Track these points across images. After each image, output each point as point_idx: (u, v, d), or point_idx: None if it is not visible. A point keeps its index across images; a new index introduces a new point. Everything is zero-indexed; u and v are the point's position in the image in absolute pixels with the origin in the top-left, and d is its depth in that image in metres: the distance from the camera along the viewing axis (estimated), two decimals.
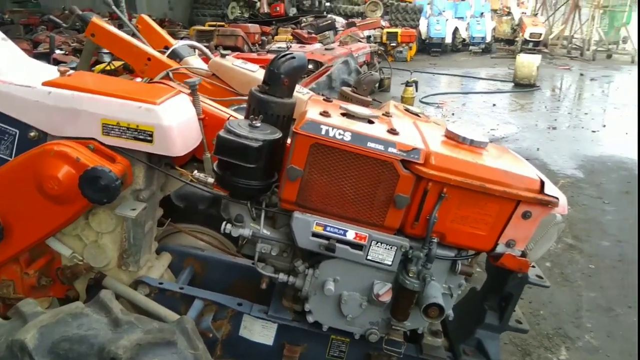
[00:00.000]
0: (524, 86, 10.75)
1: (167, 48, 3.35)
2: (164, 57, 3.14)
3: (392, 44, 13.72)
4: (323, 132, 1.41)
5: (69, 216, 1.61)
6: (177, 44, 3.32)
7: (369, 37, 11.27)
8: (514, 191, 1.42)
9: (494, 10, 18.08)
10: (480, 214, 1.46)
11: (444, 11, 16.13)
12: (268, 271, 1.64)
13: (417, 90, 7.95)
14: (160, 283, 1.80)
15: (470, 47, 16.50)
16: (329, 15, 15.47)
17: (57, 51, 7.96)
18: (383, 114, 1.71)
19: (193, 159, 1.96)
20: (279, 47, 9.07)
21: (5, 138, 1.65)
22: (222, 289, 1.89)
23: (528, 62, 10.79)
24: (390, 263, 1.52)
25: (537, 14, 18.30)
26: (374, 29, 13.38)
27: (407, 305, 1.55)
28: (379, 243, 1.50)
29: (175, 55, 3.23)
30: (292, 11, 17.95)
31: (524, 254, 1.54)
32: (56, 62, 6.71)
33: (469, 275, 1.58)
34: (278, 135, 1.55)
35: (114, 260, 1.76)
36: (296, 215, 1.49)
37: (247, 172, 1.50)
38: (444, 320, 1.71)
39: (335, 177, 1.45)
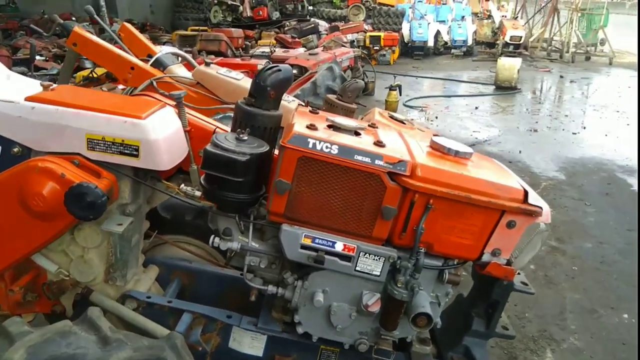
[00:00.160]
0: (505, 89, 10.90)
1: (150, 56, 3.33)
2: (147, 66, 3.12)
3: (375, 48, 13.78)
4: (310, 146, 1.42)
5: (55, 232, 1.59)
6: (160, 52, 3.30)
7: (352, 41, 11.30)
8: (499, 201, 1.45)
9: (475, 14, 18.30)
10: (466, 224, 1.48)
11: (425, 15, 16.25)
12: (257, 283, 1.65)
13: (400, 94, 8.01)
14: (148, 297, 1.78)
15: (452, 50, 16.66)
16: (312, 19, 15.50)
17: (37, 57, 7.85)
18: (369, 125, 1.73)
19: (179, 171, 1.95)
20: (262, 52, 9.07)
21: None
22: (211, 301, 1.88)
23: (509, 65, 10.93)
24: (378, 273, 1.53)
25: (517, 17, 18.58)
26: (357, 32, 13.42)
27: (396, 315, 1.57)
28: (367, 254, 1.51)
29: (159, 64, 3.21)
30: (275, 15, 17.94)
31: (509, 262, 1.56)
32: (37, 69, 6.63)
33: (456, 283, 1.61)
34: (265, 148, 1.55)
35: (100, 275, 1.74)
36: (285, 227, 1.50)
37: (234, 186, 1.50)
38: (432, 327, 1.73)
39: (323, 190, 1.46)
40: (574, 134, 7.82)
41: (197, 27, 12.04)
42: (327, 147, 1.43)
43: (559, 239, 4.30)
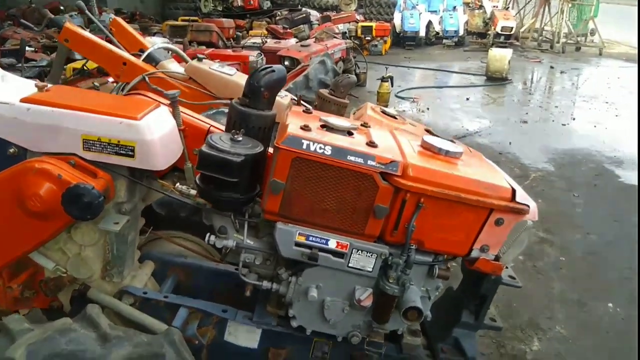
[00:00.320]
0: (496, 80, 10.95)
1: (142, 51, 3.33)
2: (139, 61, 3.13)
3: (367, 38, 13.77)
4: (304, 147, 1.45)
5: (52, 232, 1.62)
6: (152, 47, 3.30)
7: (344, 33, 11.28)
8: (487, 200, 1.49)
9: (466, 4, 18.25)
10: (456, 221, 1.53)
11: (417, 5, 16.22)
12: (252, 279, 1.69)
13: (392, 86, 8.03)
14: (145, 292, 1.82)
15: (444, 41, 16.66)
16: (304, 9, 15.44)
17: (27, 48, 7.76)
18: (361, 125, 1.76)
19: (174, 169, 1.98)
20: (253, 43, 9.03)
21: None
22: (206, 296, 1.92)
23: (500, 56, 10.97)
24: (370, 269, 1.58)
25: (508, 7, 18.59)
26: (349, 22, 13.39)
27: (388, 309, 1.62)
28: (360, 251, 1.56)
29: (151, 59, 3.21)
30: (266, 4, 17.83)
31: (497, 258, 1.62)
32: (26, 60, 6.55)
33: (445, 278, 1.66)
34: (260, 148, 1.58)
35: (97, 272, 1.77)
36: (279, 226, 1.53)
37: (230, 186, 1.54)
38: (422, 320, 1.78)
39: (316, 189, 1.49)
40: (563, 125, 7.91)
41: (187, 18, 11.95)
42: (320, 148, 1.46)
43: (548, 230, 4.38)
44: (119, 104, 1.75)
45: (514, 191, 1.52)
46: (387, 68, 8.67)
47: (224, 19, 11.42)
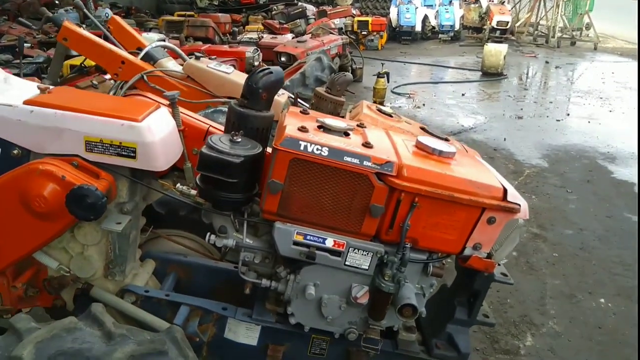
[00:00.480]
0: (491, 75, 10.99)
1: (140, 49, 3.35)
2: (137, 60, 3.15)
3: (363, 33, 13.77)
4: (302, 148, 1.49)
5: (56, 232, 1.65)
6: (150, 46, 3.32)
7: (340, 28, 11.28)
8: (480, 199, 1.54)
9: None
10: (449, 220, 1.57)
11: None
12: (251, 277, 1.73)
13: (388, 82, 8.06)
14: (146, 291, 1.86)
15: (440, 35, 16.68)
16: (300, 3, 15.39)
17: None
18: (357, 125, 1.80)
19: (174, 169, 2.01)
20: (250, 38, 9.04)
21: None
22: (206, 293, 1.96)
23: (496, 51, 11.01)
24: (367, 267, 1.62)
25: (504, 1, 18.60)
26: (345, 17, 13.39)
27: (383, 306, 1.66)
28: (356, 249, 1.60)
29: (149, 58, 3.24)
30: None
31: (489, 256, 1.66)
32: (23, 56, 6.53)
33: (439, 276, 1.71)
34: (258, 149, 1.62)
35: (100, 271, 1.80)
36: (278, 225, 1.57)
37: (229, 186, 1.57)
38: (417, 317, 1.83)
39: (314, 189, 1.54)
40: (557, 120, 7.96)
41: (183, 12, 11.91)
42: (317, 149, 1.50)
43: (541, 226, 4.44)
44: (120, 105, 1.79)
45: (505, 190, 1.57)
46: (383, 64, 8.69)
47: (220, 14, 11.40)
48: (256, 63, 6.55)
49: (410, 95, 9.18)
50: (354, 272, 1.63)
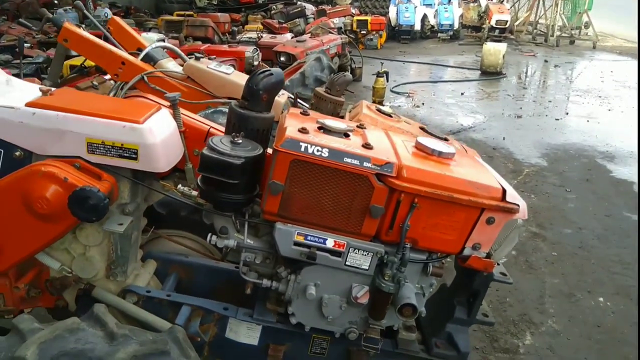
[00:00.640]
0: (490, 74, 11.01)
1: (140, 50, 3.36)
2: (138, 61, 3.16)
3: (362, 32, 13.78)
4: (302, 149, 1.50)
5: (58, 233, 1.66)
6: (150, 47, 3.33)
7: (339, 28, 11.29)
8: (479, 200, 1.55)
9: None
10: (449, 221, 1.59)
11: None
12: (252, 277, 1.74)
13: (388, 81, 8.07)
14: (148, 291, 1.87)
15: (439, 34, 16.69)
16: (299, 3, 15.38)
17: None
18: (357, 126, 1.81)
19: (175, 170, 2.02)
20: (249, 38, 9.04)
21: None
22: (207, 293, 1.97)
23: (495, 50, 11.03)
24: (367, 268, 1.63)
25: (503, 0, 18.61)
26: (344, 16, 13.40)
27: (384, 306, 1.67)
28: (357, 250, 1.61)
29: (150, 58, 3.24)
30: None
31: (488, 255, 1.67)
32: (23, 57, 6.53)
33: (439, 275, 1.72)
34: (259, 151, 1.64)
35: (102, 271, 1.81)
36: (278, 226, 1.59)
37: (230, 188, 1.59)
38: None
39: (314, 190, 1.55)
40: (556, 119, 7.98)
41: (182, 12, 11.92)
42: (318, 151, 1.51)
43: (540, 225, 4.45)
44: (122, 107, 1.80)
45: (504, 191, 1.58)
46: (382, 63, 8.71)
47: (219, 14, 11.39)
48: (256, 63, 6.56)
49: (410, 95, 9.19)
50: (354, 272, 1.64)
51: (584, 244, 4.19)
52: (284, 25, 11.12)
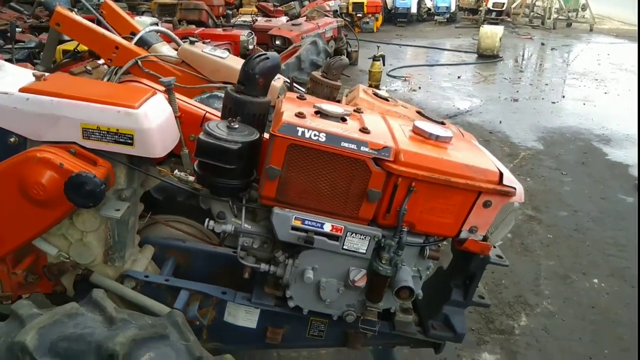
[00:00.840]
0: (487, 57, 10.97)
1: (133, 34, 3.32)
2: (131, 45, 3.12)
3: (358, 15, 13.67)
4: (299, 134, 1.50)
5: (55, 219, 1.66)
6: (144, 31, 3.29)
7: (335, 11, 11.17)
8: (476, 183, 1.55)
9: None
10: (446, 204, 1.59)
11: None
12: (250, 261, 1.74)
13: (384, 64, 8.03)
14: (146, 276, 1.87)
15: (436, 17, 16.59)
16: None
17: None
18: (354, 110, 1.80)
19: (171, 155, 2.01)
20: (244, 21, 8.95)
21: None
22: (205, 278, 1.98)
23: (491, 33, 10.97)
24: (364, 251, 1.64)
25: None
26: None
27: (381, 289, 1.68)
28: (354, 234, 1.61)
29: (143, 43, 3.21)
30: None
31: (485, 238, 1.68)
32: (15, 42, 6.45)
33: (436, 259, 1.73)
34: (256, 136, 1.63)
35: (99, 257, 1.81)
36: (276, 211, 1.59)
37: (227, 173, 1.58)
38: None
39: (312, 175, 1.54)
40: (553, 103, 7.97)
41: None
42: (315, 135, 1.50)
43: (536, 208, 4.47)
44: (116, 92, 1.78)
45: (501, 174, 1.58)
46: (378, 47, 8.65)
47: None
48: (251, 47, 6.50)
49: (406, 79, 9.15)
50: (351, 256, 1.65)
51: (579, 227, 4.22)
52: (279, 8, 11.00)
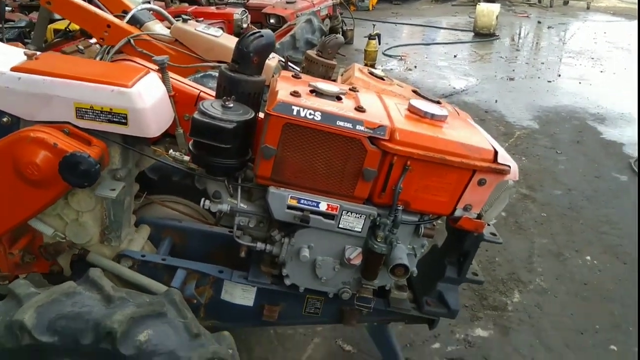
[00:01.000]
0: (483, 35, 10.88)
1: (125, 12, 3.27)
2: (124, 24, 3.08)
3: None
4: (294, 113, 1.49)
5: (50, 199, 1.65)
6: (136, 9, 3.24)
7: None
8: (471, 161, 1.56)
9: None
10: (441, 182, 1.60)
11: None
12: (246, 241, 1.76)
13: (380, 43, 7.95)
14: (143, 255, 1.88)
15: None
16: None
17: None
18: (350, 89, 1.80)
19: (165, 134, 2.01)
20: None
21: None
22: (201, 257, 1.99)
23: (488, 11, 10.87)
24: (360, 230, 1.65)
25: None
26: None
27: (376, 267, 1.70)
28: (350, 212, 1.62)
29: (136, 21, 3.16)
30: None
31: (479, 216, 1.70)
32: (5, 21, 6.34)
33: (430, 236, 1.74)
34: (251, 115, 1.62)
35: (95, 236, 1.82)
36: (272, 190, 1.59)
37: (222, 152, 1.58)
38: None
39: (307, 154, 1.54)
40: (549, 82, 7.95)
41: None
42: (310, 114, 1.50)
43: (530, 187, 4.50)
44: (109, 71, 1.76)
45: (496, 152, 1.59)
46: (374, 25, 8.56)
47: None
48: (245, 25, 6.41)
49: (402, 58, 9.08)
50: (347, 234, 1.66)
51: (573, 205, 4.25)
52: None
